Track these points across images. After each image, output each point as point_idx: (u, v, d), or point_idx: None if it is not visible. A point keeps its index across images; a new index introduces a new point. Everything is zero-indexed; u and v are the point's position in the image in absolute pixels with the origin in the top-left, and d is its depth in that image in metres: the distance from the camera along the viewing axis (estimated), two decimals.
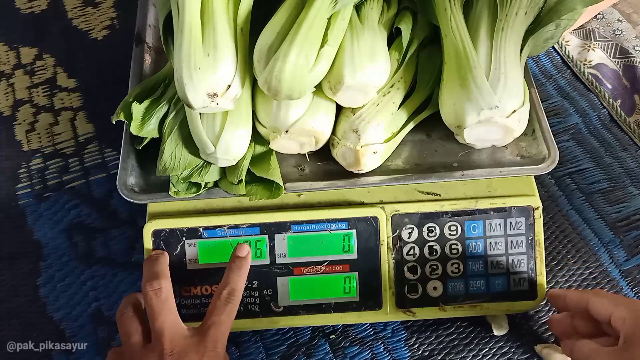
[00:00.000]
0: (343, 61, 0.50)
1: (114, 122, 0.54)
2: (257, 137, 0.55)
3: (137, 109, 0.54)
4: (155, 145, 0.55)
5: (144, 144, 0.55)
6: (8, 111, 0.74)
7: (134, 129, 0.54)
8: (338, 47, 0.51)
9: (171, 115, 0.55)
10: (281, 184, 0.52)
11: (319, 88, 0.52)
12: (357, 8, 0.54)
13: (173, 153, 0.53)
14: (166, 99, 0.55)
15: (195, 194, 0.53)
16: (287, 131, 0.52)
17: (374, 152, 0.52)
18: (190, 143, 0.53)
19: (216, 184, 0.54)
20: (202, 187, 0.53)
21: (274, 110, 0.52)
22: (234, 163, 0.53)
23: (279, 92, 0.48)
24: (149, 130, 0.55)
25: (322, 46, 0.49)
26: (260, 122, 0.54)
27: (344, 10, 0.50)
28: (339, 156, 0.54)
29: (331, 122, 0.54)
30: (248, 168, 0.53)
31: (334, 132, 0.54)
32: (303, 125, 0.52)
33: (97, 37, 0.80)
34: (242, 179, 0.52)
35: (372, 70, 0.50)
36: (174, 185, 0.53)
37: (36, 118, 0.73)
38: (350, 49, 0.50)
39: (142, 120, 0.54)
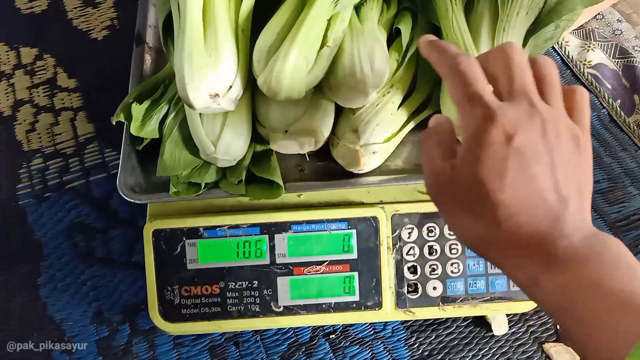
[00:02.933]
0: (342, 62, 0.50)
1: (114, 123, 0.54)
2: (257, 137, 0.55)
3: (137, 109, 0.54)
4: (156, 146, 0.55)
5: (144, 144, 0.55)
6: (8, 111, 0.74)
7: (134, 129, 0.54)
8: (337, 48, 0.51)
9: (171, 116, 0.55)
10: (281, 184, 0.52)
11: (318, 88, 0.52)
12: (357, 8, 0.54)
13: (173, 153, 0.53)
14: (166, 99, 0.56)
15: (195, 194, 0.53)
16: (286, 131, 0.52)
17: (374, 152, 0.52)
18: (190, 143, 0.53)
19: (216, 184, 0.54)
20: (202, 187, 0.53)
21: (274, 111, 0.52)
22: (234, 163, 0.53)
23: (278, 93, 0.48)
24: (149, 131, 0.55)
25: (321, 47, 0.49)
26: (260, 122, 0.54)
27: (344, 12, 0.50)
28: (338, 156, 0.54)
29: (330, 122, 0.54)
30: (248, 168, 0.53)
31: (333, 132, 0.54)
32: (302, 125, 0.52)
33: (97, 37, 0.80)
34: (242, 179, 0.53)
35: (371, 71, 0.50)
36: (174, 186, 0.53)
37: (36, 118, 0.73)
38: (350, 50, 0.51)
39: (142, 121, 0.54)
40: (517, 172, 0.34)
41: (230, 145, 0.51)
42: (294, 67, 0.47)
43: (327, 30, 0.49)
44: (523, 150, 0.34)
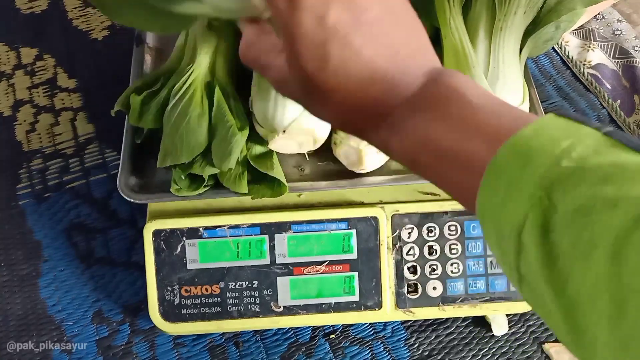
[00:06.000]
0: None
1: (114, 114, 0.54)
2: (257, 138, 0.55)
3: (136, 100, 0.54)
4: (156, 144, 0.55)
5: (144, 136, 0.55)
6: (8, 111, 0.74)
7: (132, 119, 0.54)
8: None
9: (171, 104, 0.54)
10: (284, 181, 0.52)
11: None
12: None
13: (174, 141, 0.53)
14: (166, 89, 0.55)
15: (196, 192, 0.53)
16: (284, 131, 0.52)
17: (377, 152, 0.52)
18: (191, 131, 0.53)
19: (217, 184, 0.54)
20: (205, 180, 0.53)
21: (271, 111, 0.52)
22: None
23: None
24: (148, 120, 0.54)
25: None
26: (258, 123, 0.54)
27: None
28: (341, 155, 0.54)
29: None
30: (251, 167, 0.53)
31: (336, 132, 0.54)
32: (300, 125, 0.52)
33: (97, 38, 0.80)
34: (242, 172, 0.52)
35: None
36: (175, 183, 0.53)
37: (36, 118, 0.73)
38: None
39: (140, 111, 0.54)
40: (341, 53, 0.32)
41: None
42: None
43: None
44: (340, 26, 0.31)
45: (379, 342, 0.59)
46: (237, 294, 0.55)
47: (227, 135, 0.52)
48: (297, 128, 0.52)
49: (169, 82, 0.56)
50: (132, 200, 0.53)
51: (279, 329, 0.59)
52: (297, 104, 0.51)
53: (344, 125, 0.36)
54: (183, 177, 0.53)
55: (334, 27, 0.31)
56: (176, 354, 0.59)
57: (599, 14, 0.79)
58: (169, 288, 0.55)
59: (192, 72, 0.55)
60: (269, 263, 0.55)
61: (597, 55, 0.76)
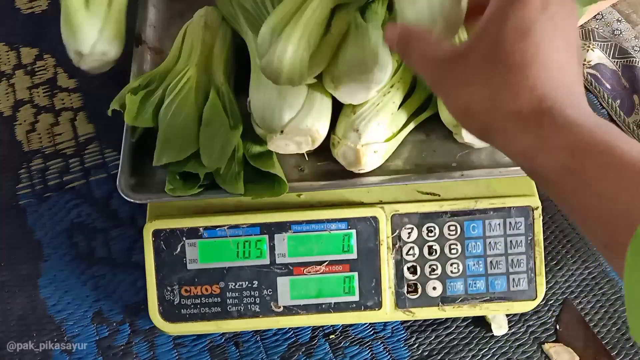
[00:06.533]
0: (347, 54, 0.50)
1: (110, 114, 0.54)
2: (256, 137, 0.55)
3: (132, 99, 0.54)
4: (155, 144, 0.55)
5: (139, 133, 0.55)
6: (8, 111, 0.74)
7: (128, 119, 0.54)
8: (341, 41, 0.51)
9: (166, 103, 0.54)
10: (284, 179, 0.52)
11: (314, 86, 0.52)
12: (362, 11, 0.54)
13: (169, 139, 0.53)
14: (162, 89, 0.55)
15: (190, 191, 0.52)
16: (282, 132, 0.52)
17: (375, 152, 0.52)
18: (185, 129, 0.53)
19: (215, 185, 0.54)
20: (200, 181, 0.52)
21: (268, 112, 0.52)
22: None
23: (279, 75, 0.48)
24: (144, 119, 0.54)
25: (325, 34, 0.49)
26: (256, 124, 0.54)
27: (348, 6, 0.51)
28: (339, 156, 0.54)
29: (326, 121, 0.53)
30: (248, 167, 0.53)
31: (334, 132, 0.54)
32: (297, 125, 0.52)
33: None
34: (238, 171, 0.52)
35: (375, 65, 0.50)
36: (170, 182, 0.52)
37: (37, 118, 0.73)
38: (355, 43, 0.51)
39: (136, 111, 0.54)
40: (542, 38, 0.33)
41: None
42: (296, 48, 0.47)
43: (331, 19, 0.49)
44: (553, 20, 0.33)
45: (379, 342, 0.59)
46: (237, 294, 0.55)
47: (219, 134, 0.52)
48: (294, 128, 0.52)
49: (164, 81, 0.56)
50: (132, 200, 0.53)
51: (278, 329, 0.59)
52: (294, 106, 0.52)
53: (497, 112, 0.35)
54: (177, 177, 0.53)
55: (549, 17, 0.34)
56: (176, 354, 0.59)
57: (598, 13, 0.79)
58: (168, 288, 0.55)
59: (187, 71, 0.55)
60: (268, 263, 0.55)
61: (597, 55, 0.76)
